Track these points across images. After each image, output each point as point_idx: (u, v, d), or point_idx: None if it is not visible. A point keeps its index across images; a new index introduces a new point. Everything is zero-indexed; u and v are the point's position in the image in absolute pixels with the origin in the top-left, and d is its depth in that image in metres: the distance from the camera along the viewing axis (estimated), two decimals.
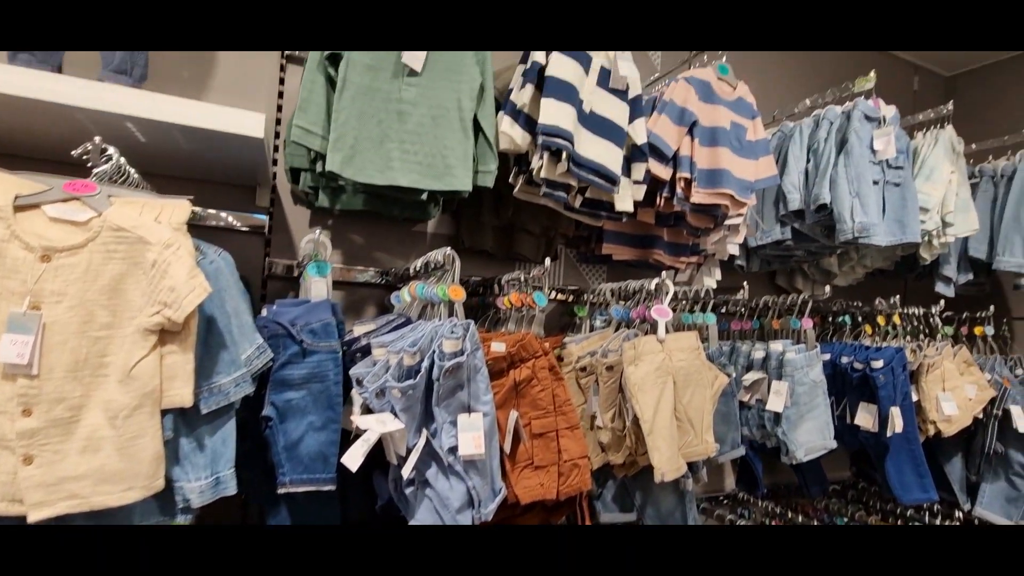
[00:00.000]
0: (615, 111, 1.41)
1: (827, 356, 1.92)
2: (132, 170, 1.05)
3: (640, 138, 1.45)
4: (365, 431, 1.03)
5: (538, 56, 1.29)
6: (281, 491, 1.08)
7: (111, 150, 0.99)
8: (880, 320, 2.05)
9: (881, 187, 1.75)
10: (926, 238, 1.93)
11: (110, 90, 1.05)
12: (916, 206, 1.81)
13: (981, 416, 2.08)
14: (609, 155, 1.37)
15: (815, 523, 2.24)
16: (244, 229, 1.53)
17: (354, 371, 1.11)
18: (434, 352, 1.08)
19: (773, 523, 2.12)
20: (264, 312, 1.19)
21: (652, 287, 1.52)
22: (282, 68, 1.57)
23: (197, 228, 1.46)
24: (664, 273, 1.54)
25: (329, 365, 1.12)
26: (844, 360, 1.93)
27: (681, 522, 1.62)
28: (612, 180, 1.39)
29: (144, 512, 0.95)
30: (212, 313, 0.98)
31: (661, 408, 1.36)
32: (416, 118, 1.27)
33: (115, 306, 0.89)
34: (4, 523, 0.84)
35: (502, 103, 1.38)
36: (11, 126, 1.13)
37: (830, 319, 2.13)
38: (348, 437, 1.10)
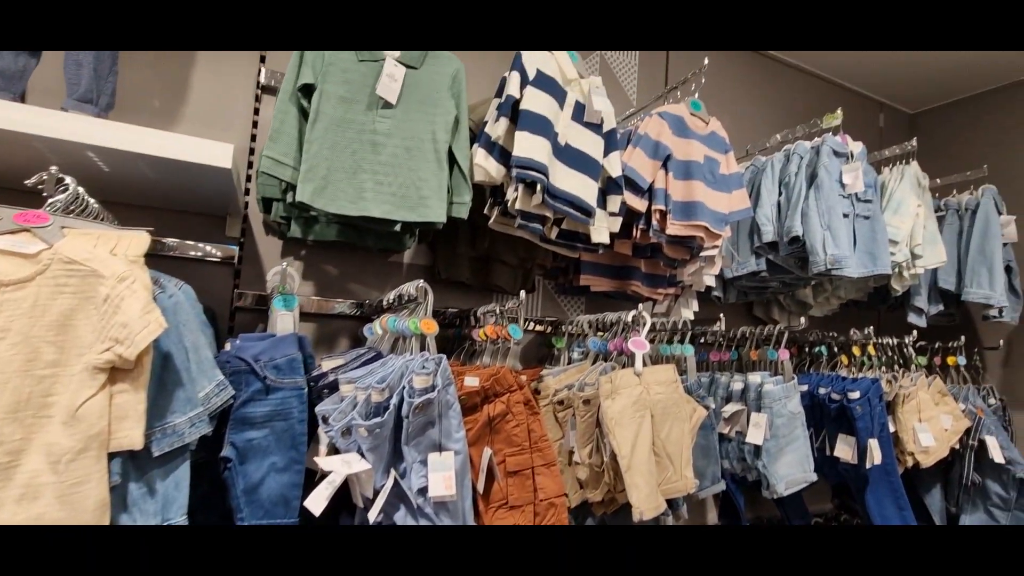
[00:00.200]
0: (590, 144, 1.42)
1: (804, 387, 1.92)
2: (91, 200, 1.01)
3: (615, 171, 1.46)
4: (329, 472, 0.99)
5: (512, 90, 1.30)
6: None
7: (68, 179, 0.96)
8: (855, 351, 2.07)
9: (851, 220, 1.79)
10: (896, 270, 1.97)
11: (70, 119, 1.02)
12: (886, 238, 1.85)
13: (958, 447, 2.09)
14: (584, 187, 1.38)
15: None
16: (213, 260, 1.50)
17: (320, 408, 1.07)
18: (404, 388, 1.05)
19: None
20: (228, 347, 1.14)
21: (629, 319, 1.51)
22: (257, 98, 1.57)
23: (162, 259, 1.44)
24: (641, 305, 1.53)
25: (293, 402, 1.07)
26: (822, 391, 1.93)
27: None
28: (587, 212, 1.39)
29: None
30: (168, 349, 0.93)
31: (639, 443, 1.34)
32: (390, 149, 1.26)
33: (63, 343, 0.85)
34: None
35: (477, 135, 1.38)
36: None
37: (807, 349, 2.14)
38: (314, 478, 1.05)
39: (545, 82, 1.34)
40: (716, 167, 1.68)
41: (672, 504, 1.51)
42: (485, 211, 1.45)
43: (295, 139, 1.22)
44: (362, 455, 1.04)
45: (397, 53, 1.29)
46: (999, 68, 2.63)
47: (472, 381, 1.26)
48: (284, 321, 1.14)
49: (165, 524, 0.92)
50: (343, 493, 1.07)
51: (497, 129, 1.31)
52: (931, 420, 1.99)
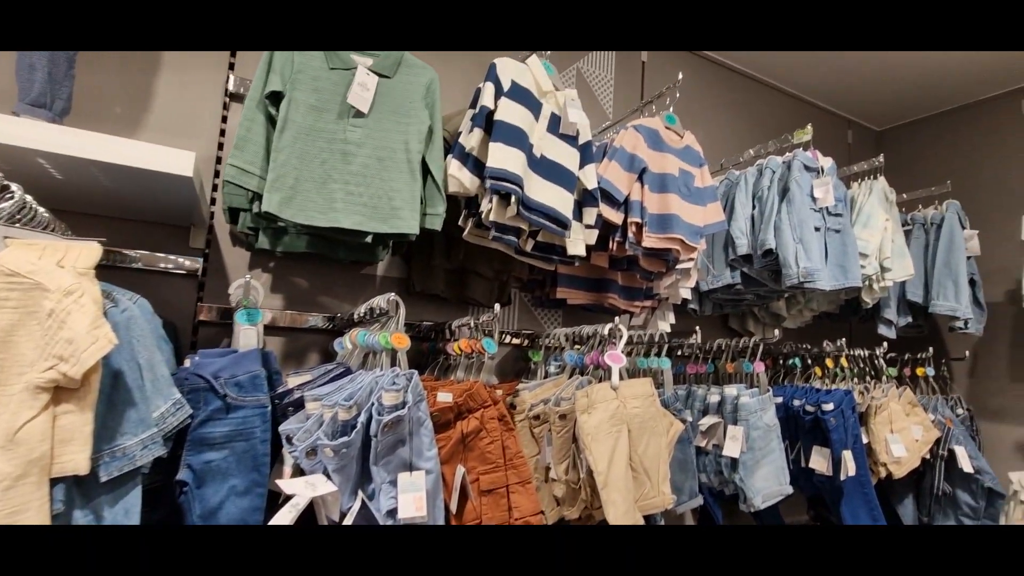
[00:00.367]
0: (565, 156, 1.41)
1: (779, 399, 1.93)
2: (40, 209, 0.96)
3: (591, 183, 1.46)
4: (293, 496, 0.94)
5: (487, 101, 1.28)
6: None
7: (14, 187, 0.90)
8: (828, 362, 2.09)
9: (823, 233, 1.82)
10: (867, 282, 2.00)
11: (21, 124, 0.97)
12: (856, 252, 1.88)
13: (928, 457, 2.12)
14: (560, 199, 1.36)
15: None
16: (176, 272, 1.44)
17: (283, 427, 1.02)
18: (372, 405, 1.01)
19: None
20: (187, 363, 1.09)
21: (606, 332, 1.49)
22: (225, 106, 1.52)
23: (121, 271, 1.38)
24: (618, 318, 1.52)
25: (256, 421, 1.02)
26: (796, 403, 1.94)
27: None
28: (563, 224, 1.38)
29: None
30: (120, 367, 0.88)
31: (616, 459, 1.31)
32: (361, 159, 1.23)
33: (1, 361, 0.79)
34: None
35: (451, 146, 1.36)
36: None
37: (781, 362, 2.15)
38: (277, 501, 1.00)
39: (520, 93, 1.33)
40: (691, 180, 1.69)
41: (649, 520, 1.49)
42: (460, 223, 1.43)
43: (262, 147, 1.18)
44: (328, 476, 0.99)
45: (369, 61, 1.27)
46: (961, 88, 2.73)
47: (445, 397, 1.23)
48: (247, 336, 1.10)
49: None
50: (309, 517, 1.02)
51: (471, 140, 1.30)
52: (902, 431, 2.01)
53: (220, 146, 1.51)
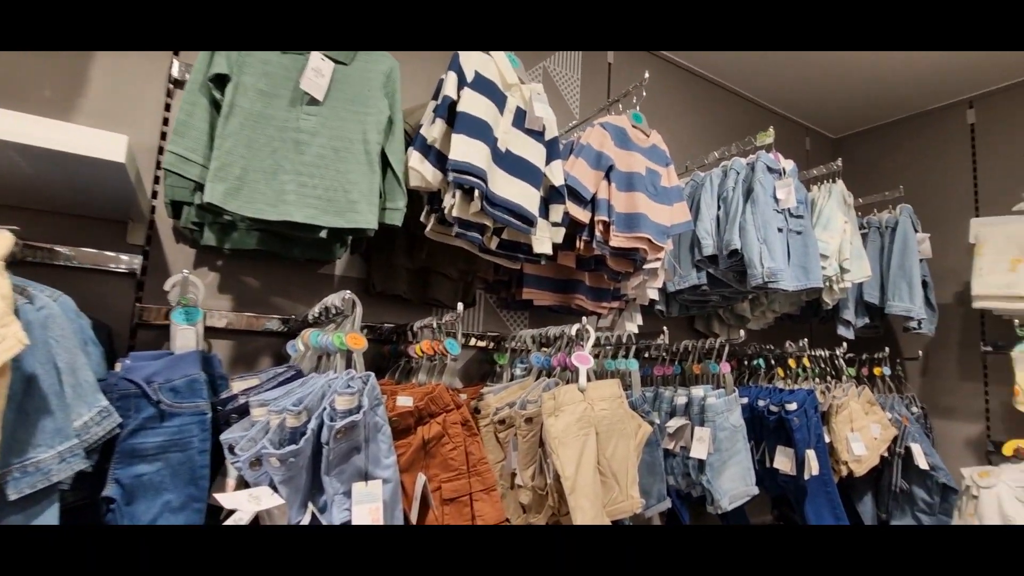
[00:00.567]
0: (531, 152, 1.37)
1: (744, 400, 1.93)
2: None
3: (557, 180, 1.42)
4: (234, 511, 0.86)
5: (449, 91, 1.23)
6: None
7: None
8: (791, 363, 2.11)
9: (785, 235, 1.83)
10: (827, 283, 2.03)
11: None
12: (817, 253, 1.91)
13: (886, 455, 2.16)
14: (525, 195, 1.32)
15: None
16: (112, 270, 1.33)
17: (225, 436, 0.94)
18: (324, 410, 0.94)
19: None
20: (118, 367, 0.99)
21: (573, 333, 1.46)
22: (168, 93, 1.42)
23: (51, 269, 1.26)
24: (585, 319, 1.48)
25: (194, 430, 0.94)
26: (761, 403, 1.95)
27: None
28: (529, 221, 1.34)
29: None
30: (34, 371, 0.79)
31: (583, 463, 1.27)
32: (315, 149, 1.16)
33: None
34: None
35: (413, 139, 1.30)
36: None
37: (745, 362, 2.17)
38: (219, 516, 0.91)
39: (484, 85, 1.28)
40: (657, 180, 1.67)
41: (617, 525, 1.45)
42: (421, 218, 1.37)
43: (205, 134, 1.10)
44: (275, 488, 0.91)
45: None
46: (911, 98, 2.84)
47: (405, 401, 1.16)
48: (185, 336, 1.01)
49: None
50: None
51: (433, 131, 1.24)
52: (862, 429, 2.05)
53: (163, 135, 1.41)
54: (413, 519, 1.12)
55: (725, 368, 1.83)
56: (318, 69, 1.16)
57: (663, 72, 2.56)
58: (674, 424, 1.77)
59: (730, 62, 2.61)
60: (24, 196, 1.19)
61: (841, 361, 2.26)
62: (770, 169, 1.86)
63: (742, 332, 1.88)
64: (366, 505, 0.96)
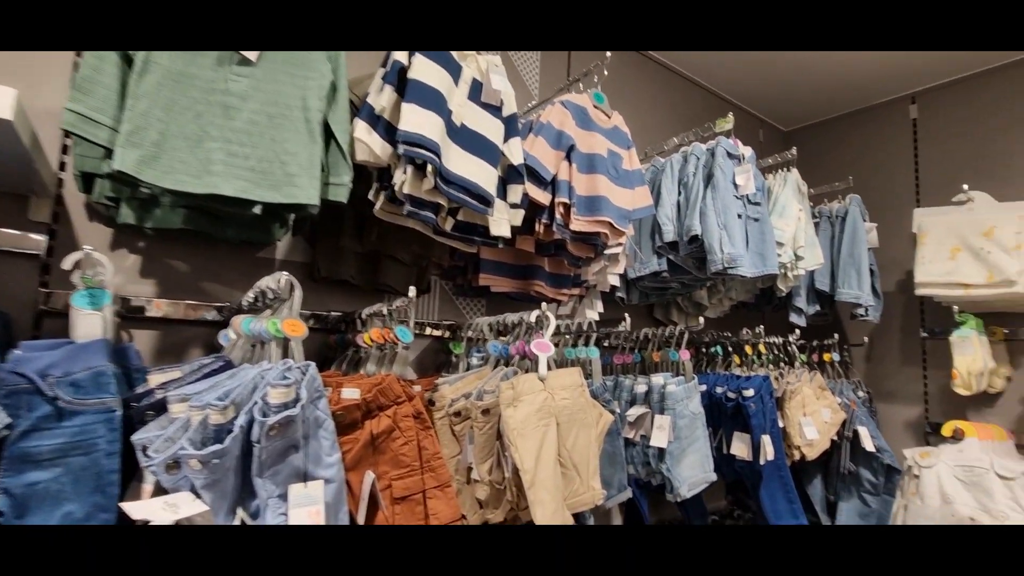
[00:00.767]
0: (489, 127, 1.29)
1: (703, 387, 1.93)
2: None
3: (516, 158, 1.35)
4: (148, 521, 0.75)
5: (400, 55, 1.14)
6: None
7: None
8: (748, 350, 2.12)
9: (744, 221, 1.83)
10: (782, 271, 2.05)
11: None
12: (773, 240, 1.92)
13: (836, 438, 2.21)
14: (482, 173, 1.24)
15: None
16: (13, 251, 1.17)
17: (137, 436, 0.82)
18: (255, 405, 0.83)
19: None
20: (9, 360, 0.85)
21: (532, 320, 1.39)
22: (78, 53, 1.26)
23: None
24: (545, 305, 1.42)
25: (99, 430, 0.82)
26: (719, 390, 1.95)
27: None
28: (486, 201, 1.26)
29: None
30: None
31: (544, 455, 1.21)
32: (247, 115, 1.04)
33: None
34: None
35: (359, 110, 1.19)
36: None
37: (704, 350, 2.17)
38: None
39: (438, 52, 1.19)
40: (619, 162, 1.63)
41: (579, 518, 1.41)
42: (370, 196, 1.27)
43: (115, 92, 0.96)
44: (198, 494, 0.81)
45: None
46: (858, 93, 2.92)
47: (351, 393, 1.07)
48: (89, 323, 0.88)
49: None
50: None
51: (381, 100, 1.14)
52: (814, 414, 2.08)
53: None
54: (360, 520, 1.03)
55: (685, 356, 1.81)
56: None
57: (621, 57, 2.51)
58: (634, 413, 1.75)
59: (689, 51, 2.60)
60: None
61: (794, 348, 2.30)
62: (730, 155, 1.85)
63: (701, 319, 1.87)
64: (305, 508, 0.87)
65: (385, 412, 1.11)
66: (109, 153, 1.00)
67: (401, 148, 1.10)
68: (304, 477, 0.89)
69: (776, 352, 2.27)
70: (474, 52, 1.30)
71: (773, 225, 2.02)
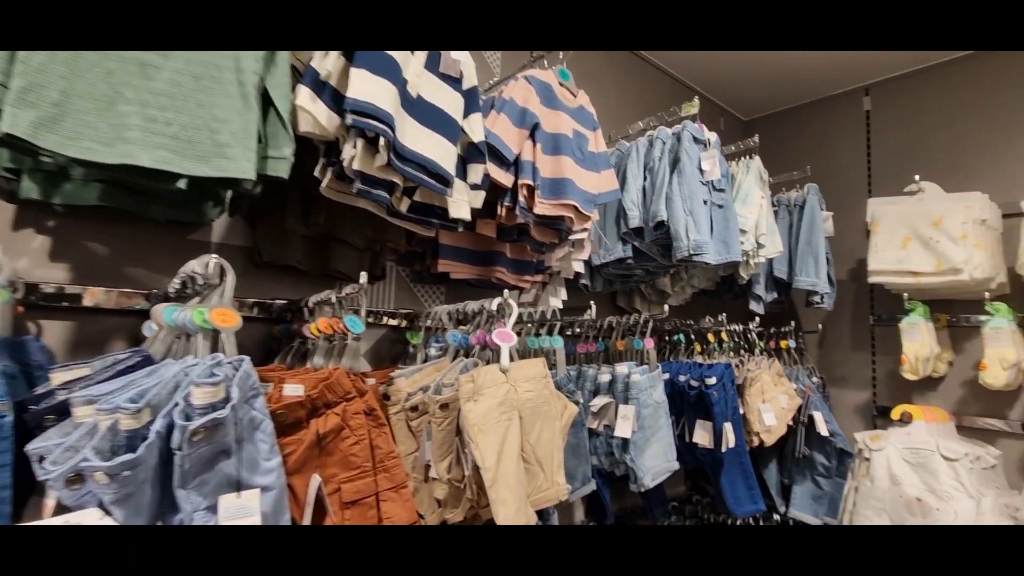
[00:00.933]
0: (447, 100, 1.20)
1: (666, 375, 1.91)
2: None
3: (477, 135, 1.26)
4: None
5: None
6: None
7: None
8: (710, 337, 2.12)
9: (709, 208, 1.80)
10: (744, 258, 2.04)
11: None
12: (737, 227, 1.90)
13: (791, 423, 2.25)
14: (440, 150, 1.15)
15: None
16: None
17: (32, 446, 0.70)
18: (176, 407, 0.73)
19: None
20: None
21: (494, 308, 1.32)
22: None
23: None
24: (507, 292, 1.35)
25: None
26: (682, 378, 1.93)
27: None
28: (444, 180, 1.17)
29: None
30: None
31: (506, 451, 1.15)
32: (168, 75, 0.91)
33: None
34: None
35: (303, 76, 1.08)
36: None
37: (666, 338, 2.15)
38: None
39: None
40: (585, 144, 1.56)
41: (542, 514, 1.36)
42: (316, 173, 1.15)
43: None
44: (107, 511, 0.70)
45: None
46: (814, 84, 2.96)
47: (294, 389, 0.97)
48: None
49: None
50: None
51: (327, 64, 1.03)
52: (772, 400, 2.11)
53: None
54: None
55: (649, 344, 1.78)
56: None
57: None
58: (598, 403, 1.71)
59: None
60: None
61: (753, 335, 2.31)
62: (696, 140, 1.81)
63: (666, 307, 1.84)
64: (239, 520, 0.77)
65: (333, 409, 1.01)
66: None
67: (349, 118, 0.99)
68: (237, 486, 0.79)
69: (736, 340, 2.28)
70: None
71: (736, 212, 2.01)
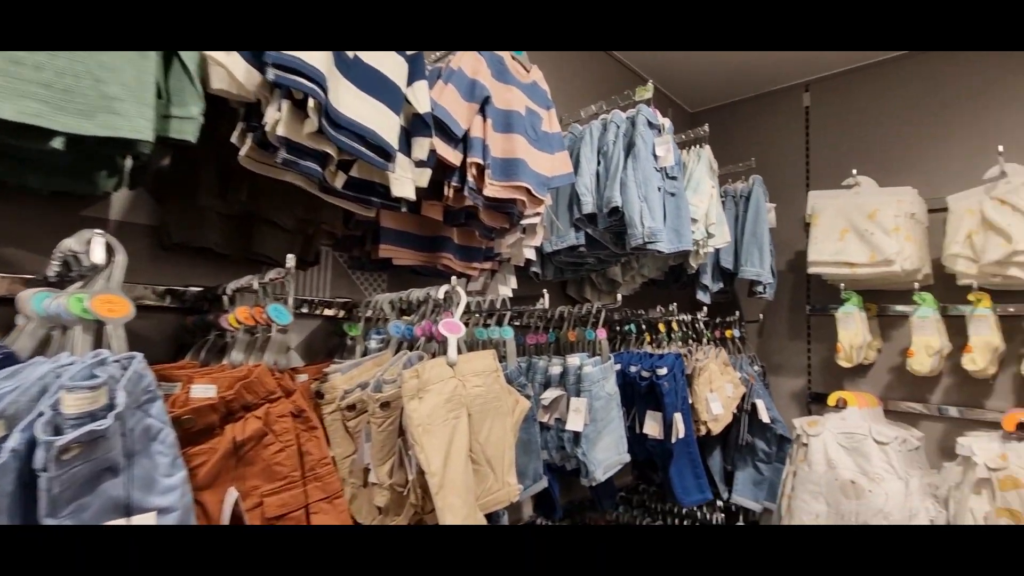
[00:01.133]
0: (389, 64, 1.07)
1: (617, 367, 1.87)
2: None
3: (423, 106, 1.14)
4: None
5: None
6: None
7: None
8: (661, 327, 2.10)
9: (662, 195, 1.76)
10: (695, 247, 2.03)
11: None
12: (688, 216, 1.88)
13: (736, 411, 2.28)
14: (380, 119, 1.02)
15: None
16: None
17: None
18: (40, 418, 0.58)
19: None
20: None
21: (440, 296, 1.21)
22: None
23: None
24: (454, 280, 1.24)
25: None
26: (633, 369, 1.90)
27: None
28: (386, 154, 1.05)
29: None
30: None
31: (454, 452, 1.05)
32: None
33: None
34: None
35: None
36: None
37: (617, 328, 2.12)
38: None
39: None
40: (538, 122, 1.47)
41: (492, 518, 1.27)
42: (233, 139, 1.00)
43: None
44: None
45: None
46: (758, 78, 3.01)
47: (204, 390, 0.83)
48: None
49: None
50: None
51: None
52: (719, 389, 2.12)
53: None
54: None
55: (602, 334, 1.73)
56: None
57: None
58: (549, 396, 1.64)
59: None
60: None
61: (701, 324, 2.32)
62: (651, 124, 1.76)
63: (619, 297, 1.80)
64: None
65: (254, 412, 0.88)
66: None
67: (271, 73, 0.85)
68: (127, 510, 0.65)
69: (685, 329, 2.28)
70: None
71: (688, 201, 1.99)
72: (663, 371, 1.82)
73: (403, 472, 1.09)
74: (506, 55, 1.43)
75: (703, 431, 2.07)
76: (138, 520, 0.65)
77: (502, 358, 1.50)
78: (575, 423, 1.58)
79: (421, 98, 1.14)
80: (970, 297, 2.14)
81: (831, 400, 2.28)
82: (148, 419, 0.69)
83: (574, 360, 1.65)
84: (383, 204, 1.18)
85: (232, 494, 0.84)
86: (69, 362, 0.64)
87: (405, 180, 1.15)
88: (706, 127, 2.25)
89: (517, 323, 1.85)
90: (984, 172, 2.14)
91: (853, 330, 2.35)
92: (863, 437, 2.10)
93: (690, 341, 2.27)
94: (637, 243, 1.65)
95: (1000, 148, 2.08)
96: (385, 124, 1.04)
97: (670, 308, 2.14)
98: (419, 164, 1.19)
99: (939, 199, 2.32)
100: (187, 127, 0.86)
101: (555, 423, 1.64)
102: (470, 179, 1.32)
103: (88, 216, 1.15)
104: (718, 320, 2.56)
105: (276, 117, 0.91)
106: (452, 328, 1.16)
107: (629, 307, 2.19)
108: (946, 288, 2.29)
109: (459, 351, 1.16)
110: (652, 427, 1.89)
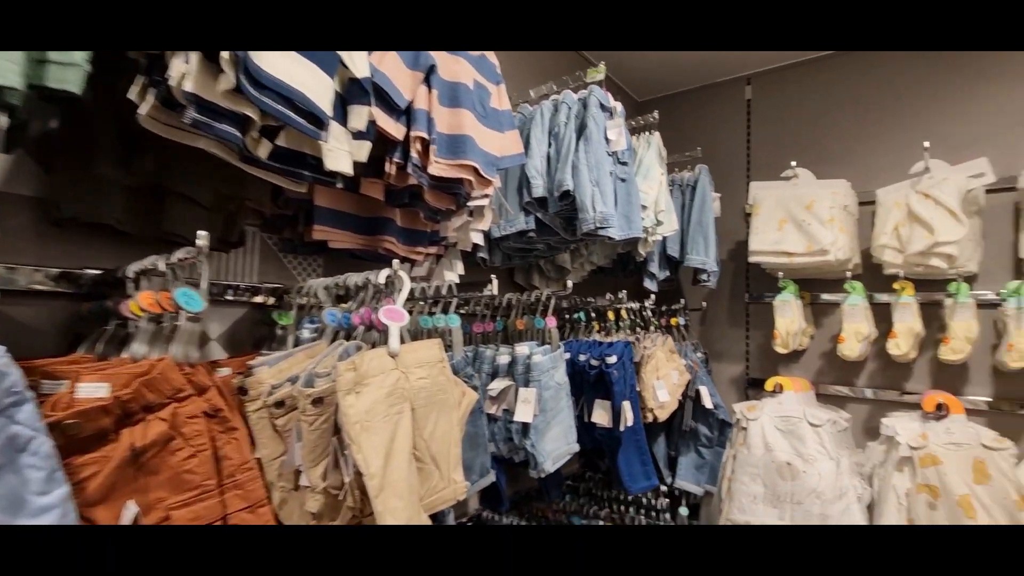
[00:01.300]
0: None
1: (567, 355, 1.84)
2: None
3: (361, 71, 1.03)
4: None
5: None
6: None
7: None
8: (610, 315, 2.08)
9: (614, 180, 1.73)
10: (644, 235, 2.02)
11: None
12: (639, 202, 1.86)
13: (681, 398, 2.31)
14: (311, 80, 0.91)
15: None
16: None
17: None
18: None
19: None
20: None
21: (382, 282, 1.11)
22: None
23: None
24: (396, 263, 1.15)
25: None
26: (582, 358, 1.87)
27: None
28: (317, 121, 0.93)
29: None
30: None
31: (396, 451, 0.97)
32: None
33: None
34: None
35: None
36: None
37: (566, 316, 2.08)
38: None
39: None
40: (487, 98, 1.39)
41: (437, 517, 1.20)
42: (132, 95, 0.86)
43: None
44: None
45: None
46: (703, 69, 3.04)
47: (94, 389, 0.70)
48: None
49: None
50: None
51: None
52: (665, 377, 2.13)
53: None
54: None
55: (551, 323, 1.68)
56: None
57: None
58: (497, 386, 1.57)
59: None
60: None
61: (649, 312, 2.33)
62: (603, 107, 1.72)
63: (569, 284, 1.75)
64: None
65: (157, 414, 0.76)
66: None
67: None
68: None
69: (633, 317, 2.27)
70: None
71: (638, 187, 1.97)
72: (612, 359, 1.80)
73: (338, 474, 0.99)
74: None
75: (650, 418, 2.08)
76: None
77: (448, 348, 1.41)
78: (524, 414, 1.53)
79: (359, 61, 1.02)
80: (895, 286, 2.25)
81: (768, 385, 2.36)
82: (14, 426, 0.56)
83: (523, 349, 1.59)
84: (315, 179, 1.06)
85: (130, 509, 0.72)
86: None
87: (340, 152, 1.04)
88: (656, 114, 2.24)
89: (463, 311, 1.77)
90: (911, 167, 2.26)
91: (789, 317, 2.43)
92: (798, 420, 2.18)
93: (638, 329, 2.27)
94: (589, 228, 1.61)
95: (926, 144, 2.18)
96: (317, 87, 0.92)
97: (619, 296, 2.12)
98: (357, 136, 1.08)
99: (869, 192, 2.42)
100: (69, 75, 0.71)
101: (503, 414, 1.58)
102: (414, 155, 1.22)
103: None
104: (664, 308, 2.58)
105: (183, 70, 0.78)
106: (394, 316, 1.07)
107: (578, 295, 2.16)
108: (873, 277, 2.40)
109: (402, 341, 1.07)
110: (601, 415, 1.87)
